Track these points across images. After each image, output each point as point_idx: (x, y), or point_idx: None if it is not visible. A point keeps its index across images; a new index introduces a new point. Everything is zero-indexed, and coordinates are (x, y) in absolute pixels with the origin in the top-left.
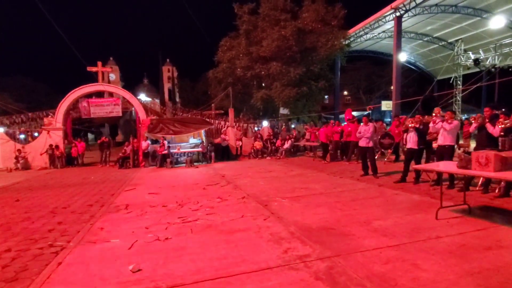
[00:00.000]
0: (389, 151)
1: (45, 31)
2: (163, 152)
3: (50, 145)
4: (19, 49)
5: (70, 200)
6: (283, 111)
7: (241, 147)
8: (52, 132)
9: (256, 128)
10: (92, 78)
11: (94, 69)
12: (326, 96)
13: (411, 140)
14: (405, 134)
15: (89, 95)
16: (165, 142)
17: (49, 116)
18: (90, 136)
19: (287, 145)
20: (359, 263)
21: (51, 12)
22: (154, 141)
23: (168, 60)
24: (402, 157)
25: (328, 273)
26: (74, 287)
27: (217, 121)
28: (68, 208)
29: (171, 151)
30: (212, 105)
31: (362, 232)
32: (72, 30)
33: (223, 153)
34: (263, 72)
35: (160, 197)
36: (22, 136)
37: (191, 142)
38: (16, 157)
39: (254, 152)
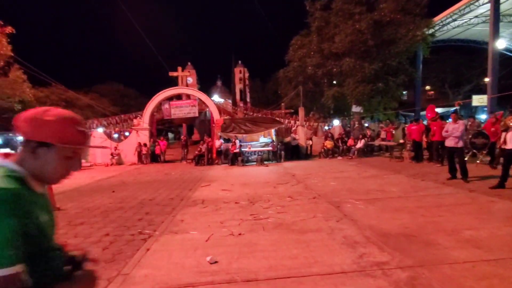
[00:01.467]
0: (483, 152)
1: (134, 41)
2: (235, 151)
3: (139, 143)
4: (115, 59)
5: (155, 193)
6: (355, 109)
7: (311, 146)
8: (140, 132)
9: (326, 127)
10: (173, 81)
11: (175, 74)
12: (404, 92)
13: None
14: (504, 134)
15: (170, 98)
16: (237, 141)
17: (138, 118)
18: (170, 135)
19: (360, 144)
20: (447, 276)
21: (140, 24)
22: (227, 140)
23: (240, 62)
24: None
25: (410, 284)
26: (160, 272)
27: (287, 120)
28: (153, 201)
29: (242, 149)
30: (282, 104)
31: (450, 242)
32: (157, 38)
33: (293, 152)
34: (335, 69)
35: (233, 194)
36: (116, 135)
37: (262, 141)
38: (112, 154)
39: (324, 151)
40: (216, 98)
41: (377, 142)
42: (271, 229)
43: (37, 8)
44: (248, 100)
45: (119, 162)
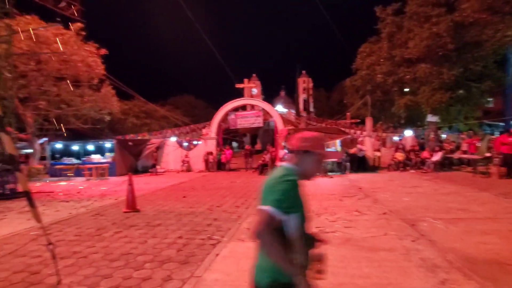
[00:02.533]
0: None
1: (205, 56)
2: None
3: (206, 152)
4: (187, 73)
5: (222, 200)
6: (431, 118)
7: (379, 158)
8: (207, 141)
9: (396, 138)
10: (239, 93)
11: (241, 85)
12: (490, 99)
13: None
14: None
15: (236, 109)
16: None
17: (206, 128)
18: (234, 144)
19: (436, 157)
20: None
21: (211, 39)
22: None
23: (304, 72)
24: None
25: None
26: (230, 277)
27: (352, 131)
28: (220, 207)
29: None
30: (347, 114)
31: None
32: (225, 51)
33: (359, 164)
34: (407, 76)
35: None
36: (185, 144)
37: None
38: (182, 161)
39: (394, 164)
40: (280, 108)
41: (457, 155)
42: (338, 244)
43: (122, 31)
44: (311, 110)
45: (188, 169)
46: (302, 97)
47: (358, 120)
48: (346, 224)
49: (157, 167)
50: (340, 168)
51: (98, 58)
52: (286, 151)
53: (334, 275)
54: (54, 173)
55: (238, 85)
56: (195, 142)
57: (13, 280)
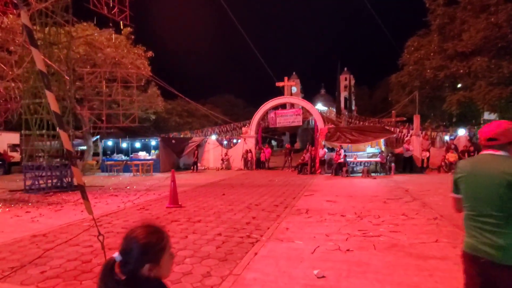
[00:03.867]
0: None
1: (245, 54)
2: (339, 161)
3: (246, 150)
4: (226, 71)
5: (260, 199)
6: (488, 116)
7: (428, 158)
8: (247, 139)
9: (447, 137)
10: (278, 91)
11: (281, 84)
12: None
13: None
14: None
15: (275, 107)
16: (342, 150)
17: (246, 126)
18: (273, 143)
19: None
20: None
21: (250, 37)
22: (331, 149)
23: (345, 69)
24: None
25: None
26: (268, 277)
27: (398, 129)
28: (259, 206)
29: (347, 159)
30: (393, 112)
31: None
32: (265, 49)
33: (405, 165)
34: (461, 71)
35: (338, 205)
36: (225, 142)
37: (369, 151)
38: (222, 159)
39: (446, 165)
40: (320, 106)
41: None
42: (384, 249)
43: (165, 32)
44: (353, 108)
45: (228, 167)
46: (343, 95)
47: (404, 118)
48: (391, 228)
49: (198, 164)
50: (384, 168)
51: (146, 60)
52: (326, 150)
53: (379, 282)
54: (105, 169)
55: (278, 83)
56: (234, 141)
57: (67, 267)
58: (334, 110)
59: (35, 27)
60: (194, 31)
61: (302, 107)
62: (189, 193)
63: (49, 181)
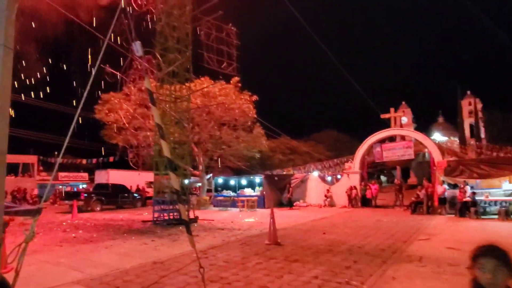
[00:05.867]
0: None
1: (346, 88)
2: (465, 199)
3: (350, 187)
4: (329, 107)
5: (364, 241)
6: None
7: None
8: (351, 175)
9: None
10: (384, 123)
11: (387, 116)
12: None
13: None
14: None
15: (382, 140)
16: (467, 187)
17: (349, 162)
18: (383, 178)
19: None
20: None
21: (351, 69)
22: (453, 186)
23: (468, 92)
24: None
25: None
26: None
27: None
28: (362, 249)
29: (476, 198)
30: None
31: None
32: (366, 81)
33: None
34: None
35: (463, 254)
36: (329, 178)
37: (506, 188)
38: (325, 196)
39: None
40: (438, 136)
41: None
42: None
43: (266, 74)
44: (482, 136)
45: (331, 204)
46: (467, 121)
47: None
48: None
49: (300, 201)
50: None
51: (251, 103)
52: (446, 186)
53: None
54: (216, 204)
55: (383, 116)
56: (339, 176)
57: None
58: (457, 139)
59: (164, 86)
60: (295, 71)
61: (414, 139)
62: (289, 230)
63: (171, 214)
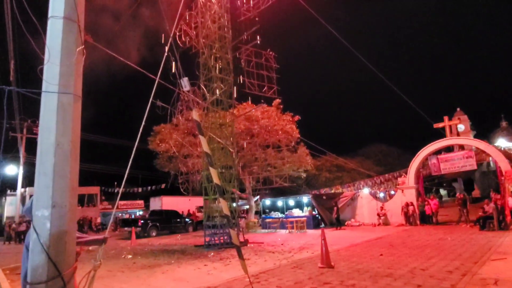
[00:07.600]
0: None
1: (392, 100)
2: None
3: (406, 203)
4: (376, 120)
5: (428, 262)
6: None
7: None
8: (405, 191)
9: None
10: (438, 133)
11: (440, 125)
12: None
13: None
14: None
15: (437, 151)
16: None
17: (402, 176)
18: (443, 192)
19: None
20: None
21: (399, 79)
22: None
23: None
24: None
25: None
26: None
27: None
28: (426, 271)
29: None
30: None
31: None
32: (413, 90)
33: None
34: None
35: None
36: (381, 195)
37: None
38: (378, 214)
39: None
40: (502, 143)
41: None
42: None
43: (308, 93)
44: None
45: (386, 223)
46: None
47: None
48: None
49: (352, 220)
50: None
51: (294, 124)
52: None
53: None
54: (265, 226)
55: (436, 125)
56: (392, 192)
57: None
58: None
59: (209, 114)
60: (336, 87)
61: (476, 147)
62: (342, 252)
63: (221, 237)
